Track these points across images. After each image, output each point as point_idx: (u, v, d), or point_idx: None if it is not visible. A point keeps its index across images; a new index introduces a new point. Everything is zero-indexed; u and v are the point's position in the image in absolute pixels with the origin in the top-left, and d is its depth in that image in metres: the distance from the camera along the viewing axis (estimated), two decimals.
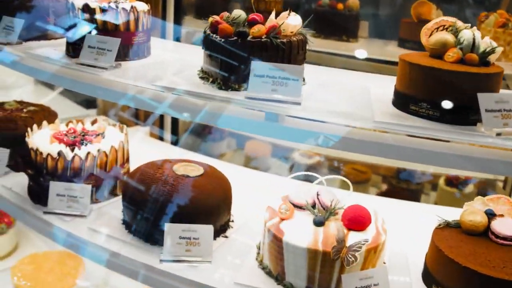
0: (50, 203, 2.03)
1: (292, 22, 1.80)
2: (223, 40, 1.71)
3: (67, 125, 2.33)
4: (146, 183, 1.89)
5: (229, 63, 1.72)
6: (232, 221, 2.05)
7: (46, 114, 2.51)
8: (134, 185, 1.91)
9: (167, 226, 1.80)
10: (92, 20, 2.00)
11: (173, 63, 2.11)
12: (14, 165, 2.14)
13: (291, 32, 1.80)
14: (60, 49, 2.18)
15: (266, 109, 1.62)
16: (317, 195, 1.82)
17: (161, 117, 3.09)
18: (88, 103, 3.27)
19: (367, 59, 2.60)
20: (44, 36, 2.36)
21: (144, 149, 2.64)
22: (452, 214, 1.83)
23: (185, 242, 1.81)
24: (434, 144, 1.51)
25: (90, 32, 1.99)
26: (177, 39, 2.85)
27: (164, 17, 2.83)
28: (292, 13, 1.85)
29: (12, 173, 2.32)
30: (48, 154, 2.02)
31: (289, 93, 1.62)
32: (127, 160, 2.22)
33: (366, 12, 2.78)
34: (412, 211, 2.36)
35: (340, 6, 2.71)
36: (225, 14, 1.88)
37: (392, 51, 2.66)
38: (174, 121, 3.14)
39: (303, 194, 1.86)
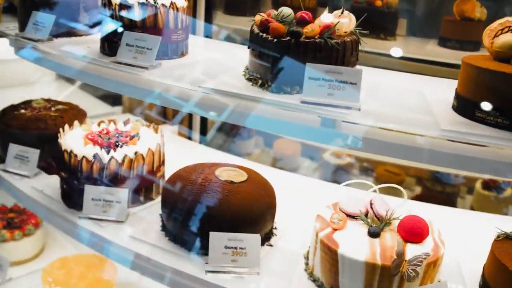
0: (85, 207, 1.94)
1: (346, 21, 1.70)
2: (275, 40, 1.61)
3: (98, 125, 2.24)
4: (189, 190, 1.80)
5: (281, 64, 1.63)
6: (275, 228, 1.96)
7: (75, 113, 2.42)
8: (176, 192, 1.82)
9: (212, 235, 1.72)
10: (130, 17, 1.90)
11: (213, 62, 2.01)
12: (47, 167, 2.06)
13: (345, 32, 1.70)
14: (93, 46, 2.09)
15: (324, 114, 1.52)
16: (371, 204, 1.73)
17: (189, 115, 3.00)
18: (113, 100, 3.18)
19: (407, 59, 2.50)
20: (74, 32, 2.26)
21: (174, 148, 2.55)
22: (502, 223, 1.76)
23: (231, 251, 1.73)
24: (496, 153, 1.43)
25: (128, 29, 1.90)
26: (208, 35, 2.75)
27: (194, 13, 2.73)
28: (346, 12, 1.76)
29: (42, 174, 2.24)
30: (83, 156, 1.94)
31: (347, 97, 1.53)
32: (162, 163, 2.14)
33: (405, 9, 2.67)
34: (457, 217, 2.27)
35: (378, 2, 2.60)
36: (273, 11, 1.79)
37: (432, 50, 2.56)
38: (202, 120, 3.05)
39: (354, 202, 1.77)
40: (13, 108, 2.43)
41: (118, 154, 1.96)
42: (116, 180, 1.97)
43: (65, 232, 1.99)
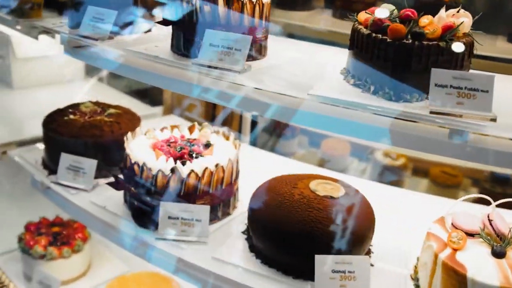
0: (162, 227, 1.74)
1: (467, 21, 1.54)
2: (396, 42, 1.44)
3: (161, 131, 2.04)
4: (286, 207, 1.62)
5: (401, 69, 1.46)
6: (371, 245, 1.80)
7: (130, 118, 2.20)
8: (270, 209, 1.64)
9: (318, 259, 1.55)
10: (214, 13, 1.70)
11: (297, 64, 1.82)
12: (115, 183, 1.84)
13: (463, 33, 1.55)
14: (161, 45, 1.88)
15: (456, 126, 1.36)
16: (489, 220, 1.59)
17: (230, 115, 2.81)
18: (152, 99, 2.95)
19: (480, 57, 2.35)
20: (131, 30, 2.04)
21: None
22: None
23: (339, 276, 1.56)
24: None
25: (210, 27, 1.69)
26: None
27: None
28: (462, 10, 1.60)
29: (100, 187, 2.03)
30: (160, 170, 1.74)
31: (478, 107, 1.37)
32: (238, 174, 1.95)
33: (472, 4, 2.51)
34: None
35: None
36: (376, 9, 1.62)
37: (502, 47, 2.41)
38: (240, 119, 2.87)
39: (469, 218, 1.63)
40: (60, 113, 2.20)
41: (197, 167, 1.76)
42: (194, 196, 1.78)
43: (137, 254, 1.79)
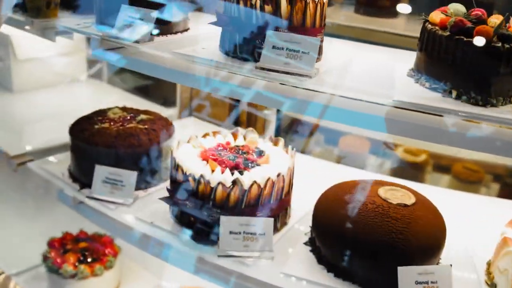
0: (223, 243, 1.63)
1: None
2: (486, 45, 1.38)
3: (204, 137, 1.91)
4: (362, 218, 1.55)
5: (489, 74, 1.40)
6: None
7: (163, 124, 2.05)
8: (343, 220, 1.56)
9: (401, 270, 1.48)
10: (275, 14, 1.59)
11: (355, 65, 1.74)
12: (169, 198, 1.71)
13: None
14: (207, 46, 1.76)
15: None
16: None
17: (254, 116, 2.72)
18: (165, 100, 2.80)
19: None
20: (168, 29, 1.90)
21: None
22: None
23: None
24: None
25: (271, 29, 1.58)
26: None
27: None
28: None
29: (140, 200, 1.89)
30: (220, 183, 1.62)
31: None
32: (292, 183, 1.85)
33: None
34: None
35: None
36: (448, 8, 1.56)
37: None
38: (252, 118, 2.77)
39: None
40: (88, 120, 2.02)
41: (258, 177, 1.66)
42: (255, 208, 1.68)
43: (195, 273, 1.67)
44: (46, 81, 2.79)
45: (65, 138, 2.25)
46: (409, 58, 1.64)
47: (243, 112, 2.85)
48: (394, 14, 2.64)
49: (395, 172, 2.92)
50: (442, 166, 2.88)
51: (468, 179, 2.77)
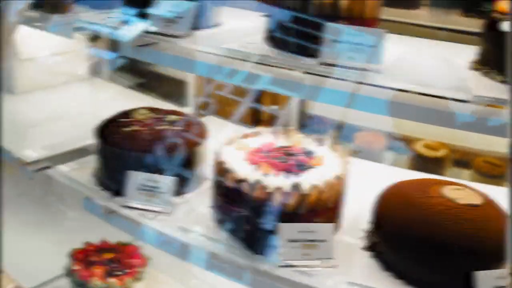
0: (283, 252, 1.52)
1: None
2: None
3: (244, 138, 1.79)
4: (435, 221, 1.46)
5: None
6: None
7: (195, 124, 1.91)
8: (416, 225, 1.47)
9: (479, 275, 1.41)
10: (334, 4, 1.48)
11: (410, 58, 1.65)
12: (220, 206, 1.57)
13: None
14: (251, 40, 1.64)
15: None
16: None
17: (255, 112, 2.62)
18: (177, 98, 2.64)
19: None
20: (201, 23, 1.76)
21: None
22: None
23: None
24: None
25: (329, 21, 1.47)
26: None
27: None
28: None
29: (178, 208, 1.75)
30: (278, 188, 1.50)
31: None
32: None
33: None
34: None
35: None
36: None
37: None
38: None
39: None
40: (115, 123, 1.86)
41: (317, 180, 1.55)
42: (313, 213, 1.57)
43: (253, 285, 1.55)
44: (50, 81, 2.60)
45: (81, 141, 2.10)
46: (453, 50, 1.63)
47: (255, 110, 2.74)
48: (416, 5, 2.57)
49: (414, 167, 2.88)
50: (462, 160, 2.84)
51: (490, 173, 2.74)
